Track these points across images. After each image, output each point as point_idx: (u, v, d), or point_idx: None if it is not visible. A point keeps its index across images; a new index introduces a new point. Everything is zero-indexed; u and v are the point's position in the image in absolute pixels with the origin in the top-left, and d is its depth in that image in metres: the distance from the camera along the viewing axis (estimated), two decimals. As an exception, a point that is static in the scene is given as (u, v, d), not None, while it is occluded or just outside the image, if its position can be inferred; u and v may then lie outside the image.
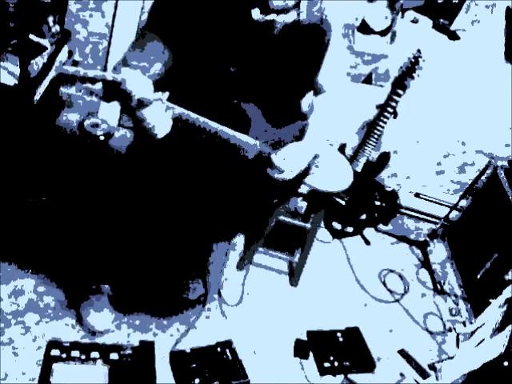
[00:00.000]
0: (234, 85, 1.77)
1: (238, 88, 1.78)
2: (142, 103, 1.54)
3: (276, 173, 1.89)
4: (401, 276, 3.15)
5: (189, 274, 2.58)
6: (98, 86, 1.45)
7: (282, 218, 2.66)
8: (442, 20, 2.88)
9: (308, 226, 2.72)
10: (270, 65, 1.75)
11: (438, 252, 3.42)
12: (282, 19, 1.63)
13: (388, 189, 3.23)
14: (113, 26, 2.87)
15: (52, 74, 2.51)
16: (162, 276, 2.56)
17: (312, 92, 2.01)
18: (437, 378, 2.60)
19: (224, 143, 1.74)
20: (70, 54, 2.71)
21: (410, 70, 2.78)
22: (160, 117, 1.59)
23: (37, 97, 2.37)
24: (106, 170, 2.62)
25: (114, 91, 1.48)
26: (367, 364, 2.58)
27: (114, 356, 2.16)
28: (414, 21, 2.88)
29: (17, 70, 2.28)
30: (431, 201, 3.49)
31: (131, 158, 2.03)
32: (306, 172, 2.01)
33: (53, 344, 2.13)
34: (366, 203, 3.21)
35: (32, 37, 2.42)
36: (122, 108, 1.58)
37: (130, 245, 2.15)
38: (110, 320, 2.31)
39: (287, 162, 1.90)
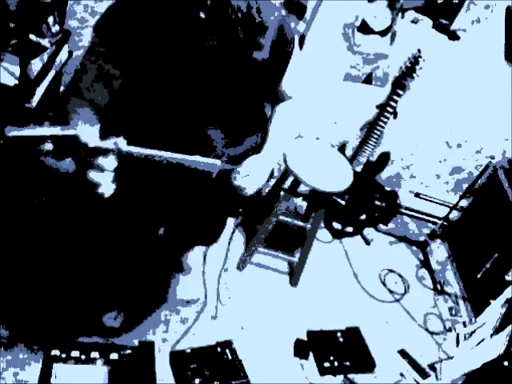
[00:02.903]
0: (188, 103, 1.68)
1: (193, 105, 1.69)
2: (97, 152, 1.40)
3: (239, 190, 1.83)
4: (401, 276, 3.15)
5: (188, 275, 2.58)
6: (49, 145, 1.30)
7: (281, 217, 2.66)
8: (442, 20, 2.88)
9: (308, 226, 2.72)
10: (228, 75, 1.69)
11: (438, 252, 3.42)
12: None
13: (388, 189, 3.23)
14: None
15: (52, 73, 2.51)
16: (161, 276, 2.57)
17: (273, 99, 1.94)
18: (437, 378, 2.60)
19: (185, 170, 1.60)
20: (70, 54, 2.70)
21: (409, 70, 2.78)
22: (106, 174, 1.44)
23: (36, 98, 2.36)
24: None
25: (67, 146, 1.33)
26: (367, 364, 2.58)
27: (113, 356, 2.16)
28: (414, 21, 2.88)
29: (17, 70, 2.28)
30: (431, 201, 3.49)
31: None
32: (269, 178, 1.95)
33: (53, 344, 2.13)
34: (366, 203, 3.21)
35: (32, 37, 2.42)
36: (76, 163, 1.42)
37: (127, 247, 2.15)
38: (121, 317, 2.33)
39: (249, 177, 1.82)
